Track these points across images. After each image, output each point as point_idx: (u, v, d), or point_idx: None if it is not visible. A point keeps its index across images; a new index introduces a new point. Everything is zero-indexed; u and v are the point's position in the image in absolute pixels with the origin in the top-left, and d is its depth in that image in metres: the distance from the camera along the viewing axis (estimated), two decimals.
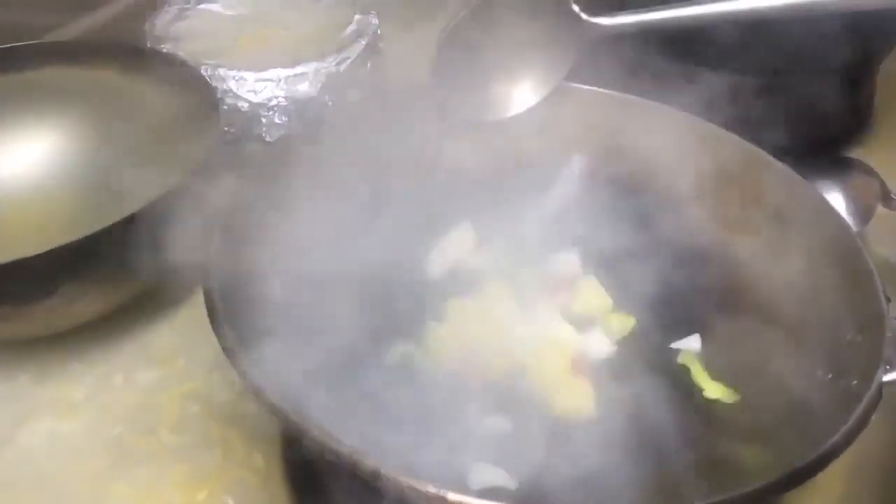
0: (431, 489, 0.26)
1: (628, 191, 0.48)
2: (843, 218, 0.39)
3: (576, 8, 0.44)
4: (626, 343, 0.43)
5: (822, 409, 0.33)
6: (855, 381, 0.31)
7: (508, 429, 0.37)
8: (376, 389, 0.38)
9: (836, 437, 0.29)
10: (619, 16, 0.45)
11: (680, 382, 0.40)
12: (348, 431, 0.29)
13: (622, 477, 0.35)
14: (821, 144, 0.60)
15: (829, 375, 0.33)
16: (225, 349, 0.32)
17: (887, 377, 0.31)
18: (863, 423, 0.30)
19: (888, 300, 0.35)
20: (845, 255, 0.38)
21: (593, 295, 0.43)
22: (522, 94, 0.46)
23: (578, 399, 0.38)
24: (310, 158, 0.43)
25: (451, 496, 0.26)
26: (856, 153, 0.63)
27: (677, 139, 0.47)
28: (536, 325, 0.41)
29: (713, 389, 0.39)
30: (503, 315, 0.42)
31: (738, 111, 0.59)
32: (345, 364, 0.38)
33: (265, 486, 0.41)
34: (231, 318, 0.33)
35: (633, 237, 0.44)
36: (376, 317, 0.41)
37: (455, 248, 0.45)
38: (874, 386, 0.30)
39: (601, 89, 0.50)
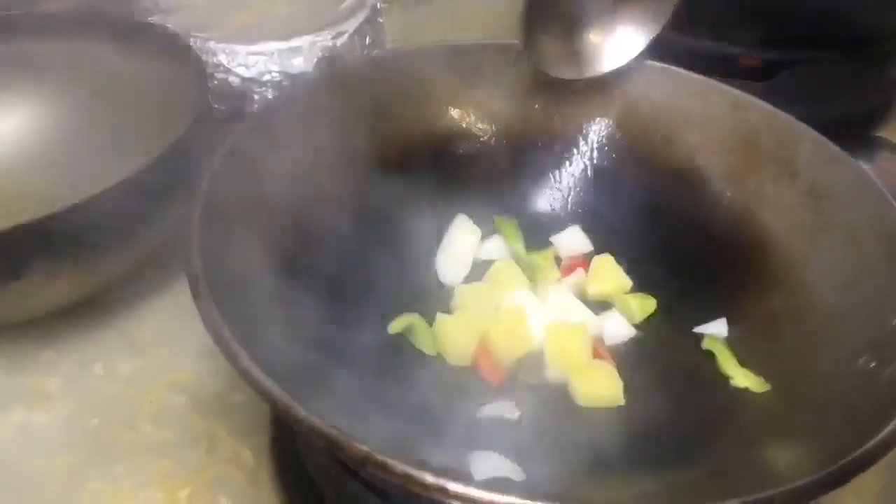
0: (430, 478, 0.23)
1: (650, 163, 0.44)
2: (886, 194, 0.36)
3: None
4: (648, 326, 0.40)
5: (866, 400, 0.29)
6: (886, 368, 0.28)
7: (517, 417, 0.34)
8: (374, 373, 0.34)
9: (886, 430, 0.26)
10: None
11: (705, 370, 0.37)
12: (342, 415, 0.25)
13: (641, 470, 0.32)
14: (847, 123, 0.57)
15: (873, 363, 0.30)
16: (211, 331, 0.28)
17: None
18: None
19: None
20: (889, 234, 0.34)
21: (609, 274, 0.40)
22: (618, 46, 0.43)
23: (605, 387, 0.36)
24: (296, 126, 0.40)
25: (452, 486, 0.23)
26: (883, 132, 0.59)
27: (704, 107, 0.44)
28: (551, 308, 0.38)
29: (742, 377, 0.35)
30: (515, 299, 0.38)
31: (764, 89, 0.56)
32: (340, 344, 0.35)
33: (253, 484, 0.38)
34: (218, 298, 0.30)
35: (654, 213, 0.41)
36: (378, 296, 0.39)
37: (461, 244, 0.42)
38: None
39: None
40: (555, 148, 0.44)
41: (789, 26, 0.54)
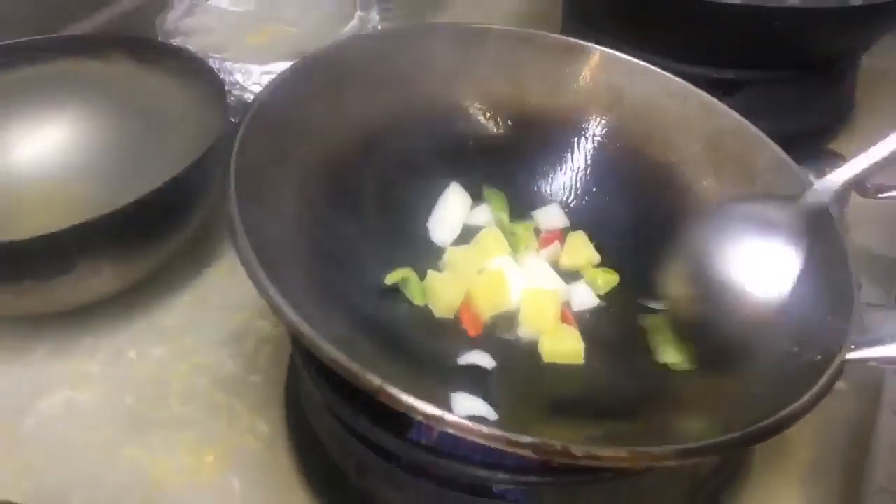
0: (431, 409, 0.28)
1: (631, 154, 0.49)
2: (827, 206, 0.40)
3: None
4: (611, 298, 0.45)
5: (786, 380, 0.34)
6: (819, 357, 0.33)
7: (491, 366, 0.40)
8: (369, 317, 0.40)
9: (797, 405, 0.31)
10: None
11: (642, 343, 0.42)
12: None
13: (591, 419, 0.37)
14: (802, 136, 0.63)
15: (796, 349, 0.35)
16: (247, 268, 0.33)
17: (851, 355, 0.33)
18: (822, 394, 0.32)
19: (860, 286, 0.37)
20: (826, 240, 0.39)
21: (581, 249, 0.45)
22: None
23: (568, 347, 0.41)
24: (318, 88, 0.45)
25: (449, 417, 0.28)
26: (836, 144, 0.65)
27: (682, 107, 0.48)
28: (528, 274, 0.44)
29: (668, 354, 0.40)
30: (497, 264, 0.44)
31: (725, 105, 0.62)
32: (344, 289, 0.40)
33: (269, 450, 0.44)
34: (251, 240, 0.34)
35: (630, 198, 0.46)
36: (378, 251, 0.44)
37: (452, 210, 0.47)
38: (837, 362, 0.33)
39: (612, 51, 0.51)
40: (546, 133, 0.49)
41: (748, 50, 0.59)
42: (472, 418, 0.28)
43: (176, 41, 0.63)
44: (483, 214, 0.48)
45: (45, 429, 0.45)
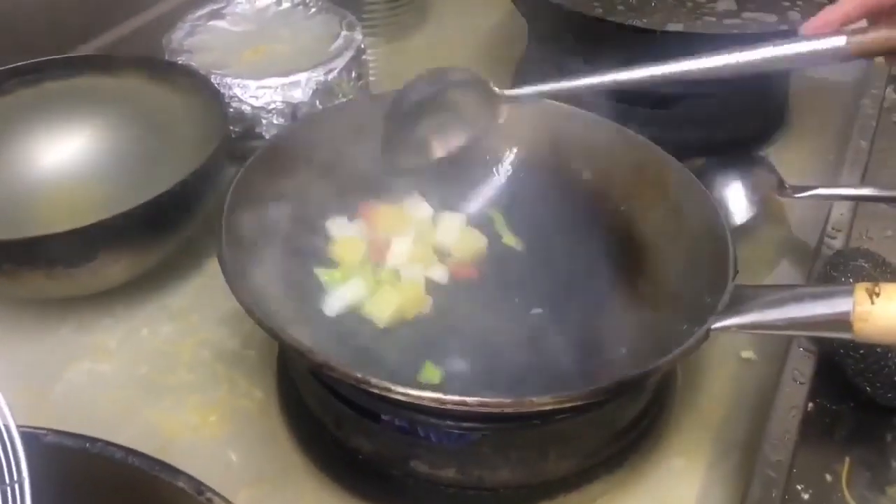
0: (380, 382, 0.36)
1: (565, 182, 0.58)
2: (719, 211, 0.49)
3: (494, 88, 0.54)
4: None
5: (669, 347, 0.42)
6: (696, 328, 0.41)
7: None
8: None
9: (662, 360, 0.40)
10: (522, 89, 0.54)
11: None
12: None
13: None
14: (735, 144, 0.71)
15: (685, 325, 0.43)
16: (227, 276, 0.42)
17: (715, 325, 0.41)
18: (687, 353, 0.40)
19: (736, 272, 0.45)
20: (716, 239, 0.48)
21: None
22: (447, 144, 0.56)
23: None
24: (299, 149, 0.54)
25: (397, 388, 0.36)
26: (767, 150, 0.73)
27: (607, 141, 0.57)
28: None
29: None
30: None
31: (663, 116, 0.70)
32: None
33: (264, 412, 0.52)
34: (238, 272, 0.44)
35: (563, 219, 0.55)
36: None
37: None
38: (703, 329, 0.41)
39: (547, 99, 0.58)
40: (486, 163, 0.59)
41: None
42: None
43: (181, 59, 0.70)
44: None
45: (72, 394, 0.53)
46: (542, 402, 0.37)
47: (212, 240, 0.64)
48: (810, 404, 0.52)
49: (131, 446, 0.49)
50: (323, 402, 0.48)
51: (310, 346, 0.39)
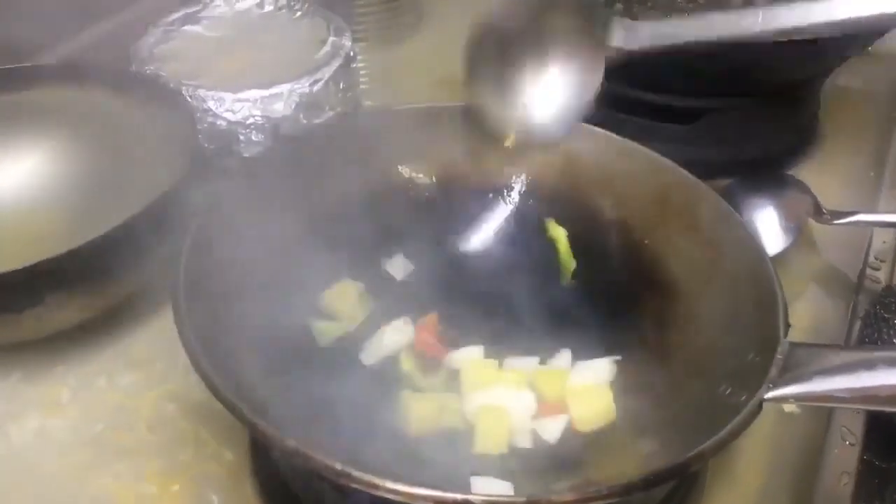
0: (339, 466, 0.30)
1: (584, 211, 0.51)
2: (764, 249, 0.43)
3: (601, 33, 0.48)
4: None
5: (717, 420, 0.35)
6: (744, 397, 0.35)
7: None
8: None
9: (705, 445, 0.33)
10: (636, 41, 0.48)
11: None
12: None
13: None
14: (764, 163, 0.64)
15: (728, 390, 0.37)
16: (189, 353, 0.35)
17: (769, 394, 0.34)
18: (735, 433, 0.33)
19: (788, 326, 0.38)
20: (760, 283, 0.41)
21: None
22: (553, 111, 0.50)
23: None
24: (276, 176, 0.47)
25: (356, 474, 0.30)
26: (798, 169, 0.67)
27: (629, 165, 0.50)
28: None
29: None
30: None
31: (684, 132, 0.64)
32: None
33: (234, 478, 0.45)
34: (195, 320, 0.37)
35: (583, 253, 0.48)
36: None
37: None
38: (754, 401, 0.34)
39: None
40: (493, 195, 0.52)
41: (711, 79, 0.61)
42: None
43: (151, 68, 0.63)
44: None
45: (14, 455, 0.46)
46: (564, 500, 0.30)
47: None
48: (859, 464, 0.45)
49: None
50: (299, 474, 0.41)
51: (275, 432, 0.32)
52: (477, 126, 0.50)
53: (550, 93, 0.50)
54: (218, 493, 0.45)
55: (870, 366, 0.34)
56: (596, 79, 0.49)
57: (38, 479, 0.45)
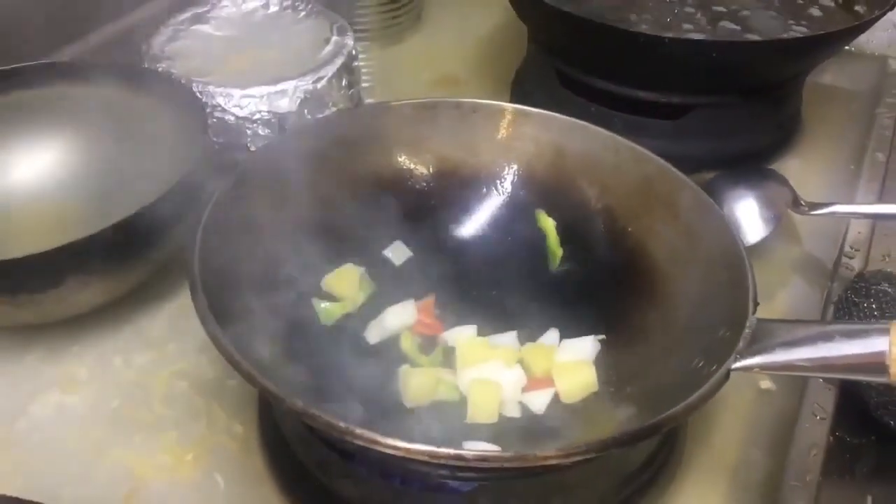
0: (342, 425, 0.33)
1: (572, 201, 0.54)
2: (736, 235, 0.45)
3: None
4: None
5: (688, 389, 0.38)
6: (713, 367, 0.38)
7: None
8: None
9: (675, 408, 0.36)
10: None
11: None
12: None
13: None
14: (747, 157, 0.67)
15: (701, 363, 0.40)
16: (203, 322, 0.38)
17: (736, 364, 0.37)
18: (704, 398, 0.36)
19: (756, 304, 0.41)
20: (733, 266, 0.44)
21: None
22: None
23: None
24: (282, 167, 0.50)
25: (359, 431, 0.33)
26: (780, 163, 0.70)
27: (614, 158, 0.53)
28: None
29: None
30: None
31: (671, 127, 0.67)
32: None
33: (244, 450, 0.48)
34: (208, 293, 0.40)
35: (568, 241, 0.51)
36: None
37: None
38: (722, 370, 0.37)
39: (547, 112, 0.55)
40: (486, 185, 0.55)
41: (696, 77, 0.64)
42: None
43: (161, 65, 0.66)
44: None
45: (36, 430, 0.49)
46: (546, 455, 0.33)
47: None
48: (830, 437, 0.48)
49: (100, 491, 0.46)
50: (305, 443, 0.44)
51: (279, 392, 0.35)
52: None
53: None
54: (229, 462, 0.47)
55: (828, 337, 0.37)
56: None
57: (59, 451, 0.48)
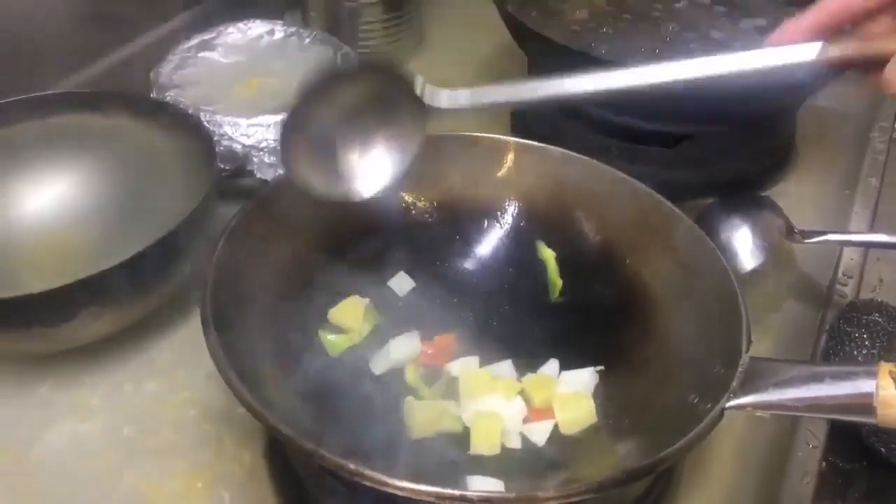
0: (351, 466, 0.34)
1: (570, 234, 0.55)
2: (729, 270, 0.47)
3: (419, 92, 0.45)
4: None
5: (685, 425, 0.39)
6: (708, 405, 0.39)
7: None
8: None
9: (671, 448, 0.37)
10: (458, 97, 0.46)
11: None
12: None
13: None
14: (741, 184, 0.69)
15: (696, 399, 0.41)
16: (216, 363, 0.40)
17: (729, 403, 0.39)
18: (699, 438, 0.37)
19: (750, 341, 0.42)
20: (727, 301, 0.45)
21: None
22: (376, 173, 0.47)
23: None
24: (291, 200, 0.51)
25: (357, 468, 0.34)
26: (774, 190, 0.71)
27: (611, 192, 0.55)
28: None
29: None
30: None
31: (666, 155, 0.68)
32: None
33: (251, 477, 0.49)
34: (220, 335, 0.42)
35: (567, 272, 0.53)
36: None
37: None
38: (716, 409, 0.38)
39: (543, 144, 0.57)
40: (487, 217, 0.56)
41: (690, 108, 0.65)
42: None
43: (170, 94, 0.68)
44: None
45: (51, 457, 0.51)
46: (547, 496, 0.34)
47: (199, 291, 0.62)
48: (823, 463, 0.50)
49: None
50: (312, 473, 0.46)
51: (297, 435, 0.36)
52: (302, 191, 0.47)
53: (371, 157, 0.47)
54: (238, 490, 0.49)
55: (818, 378, 0.38)
56: (417, 141, 0.47)
57: (73, 479, 0.49)
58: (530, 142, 0.56)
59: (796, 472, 0.48)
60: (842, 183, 0.73)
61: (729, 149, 0.68)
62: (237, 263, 0.47)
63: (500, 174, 0.56)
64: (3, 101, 0.61)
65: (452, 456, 0.45)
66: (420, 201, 0.56)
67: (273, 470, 0.49)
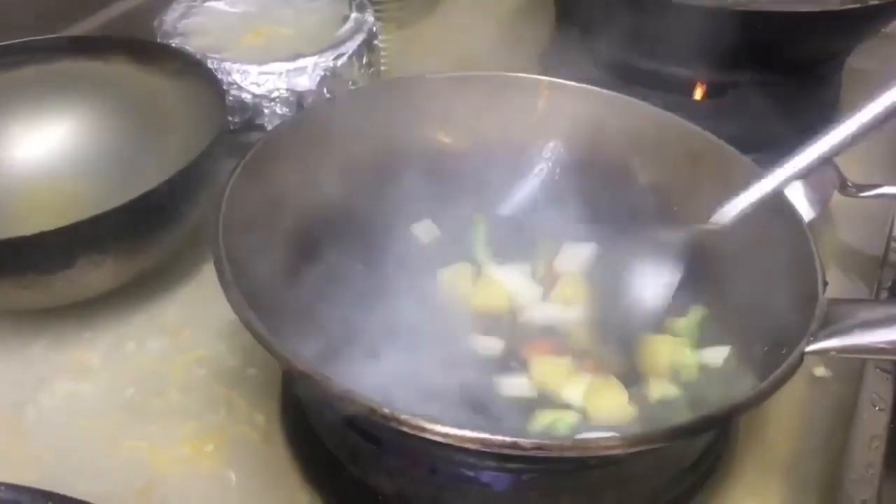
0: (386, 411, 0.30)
1: (616, 179, 0.51)
2: (797, 211, 0.43)
3: None
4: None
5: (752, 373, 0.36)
6: (784, 350, 0.35)
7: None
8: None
9: (749, 396, 0.33)
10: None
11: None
12: None
13: None
14: (788, 139, 0.64)
15: (766, 348, 0.37)
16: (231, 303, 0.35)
17: (809, 347, 0.35)
18: (777, 384, 0.33)
19: (825, 284, 0.38)
20: (796, 245, 0.41)
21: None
22: None
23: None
24: (304, 143, 0.47)
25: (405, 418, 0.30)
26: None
27: (659, 134, 0.50)
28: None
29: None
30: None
31: (712, 106, 0.64)
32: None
33: (266, 441, 0.45)
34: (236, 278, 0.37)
35: (600, 215, 0.48)
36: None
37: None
38: (795, 353, 0.34)
39: (583, 84, 0.52)
40: (521, 163, 0.52)
41: (735, 53, 0.61)
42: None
43: (174, 42, 0.63)
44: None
45: (46, 420, 0.47)
46: (610, 444, 0.30)
47: (207, 245, 0.58)
48: (891, 427, 0.45)
49: (114, 484, 0.43)
50: (335, 432, 0.41)
51: (329, 381, 0.32)
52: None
53: None
54: (252, 453, 0.45)
55: None
56: None
57: (69, 442, 0.45)
58: (567, 81, 0.52)
59: (863, 436, 0.44)
60: (892, 137, 0.68)
61: (775, 102, 0.64)
62: (250, 203, 0.43)
63: (534, 116, 0.51)
64: (2, 44, 0.57)
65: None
66: (448, 144, 0.51)
67: (290, 432, 0.45)
